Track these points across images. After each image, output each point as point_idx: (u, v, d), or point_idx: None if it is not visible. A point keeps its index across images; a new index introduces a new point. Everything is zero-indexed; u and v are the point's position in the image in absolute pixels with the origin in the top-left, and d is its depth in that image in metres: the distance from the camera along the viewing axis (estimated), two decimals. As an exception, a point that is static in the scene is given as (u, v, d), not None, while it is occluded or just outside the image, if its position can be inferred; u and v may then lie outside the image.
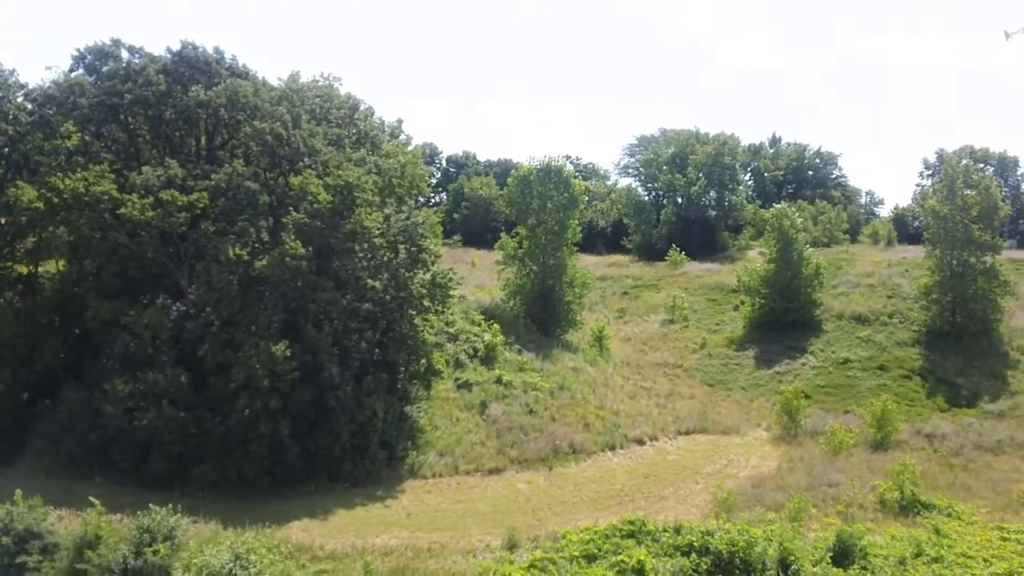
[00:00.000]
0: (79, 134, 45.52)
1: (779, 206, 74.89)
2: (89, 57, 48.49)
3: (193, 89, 46.20)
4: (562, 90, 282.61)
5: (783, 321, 67.70)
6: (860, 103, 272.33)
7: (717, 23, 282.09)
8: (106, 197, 41.81)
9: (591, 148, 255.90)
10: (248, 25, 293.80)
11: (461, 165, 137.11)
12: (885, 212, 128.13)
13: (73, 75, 47.90)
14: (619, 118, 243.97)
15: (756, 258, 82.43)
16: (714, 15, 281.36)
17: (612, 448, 47.80)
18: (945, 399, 56.44)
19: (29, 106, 46.83)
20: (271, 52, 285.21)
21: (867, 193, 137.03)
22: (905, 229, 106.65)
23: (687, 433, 51.50)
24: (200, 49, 48.73)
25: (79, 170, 42.70)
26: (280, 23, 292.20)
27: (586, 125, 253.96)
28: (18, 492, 30.25)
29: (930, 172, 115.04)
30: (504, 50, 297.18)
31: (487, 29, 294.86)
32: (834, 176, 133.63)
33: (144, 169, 43.41)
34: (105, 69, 47.26)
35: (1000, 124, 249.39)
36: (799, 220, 72.08)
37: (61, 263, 48.83)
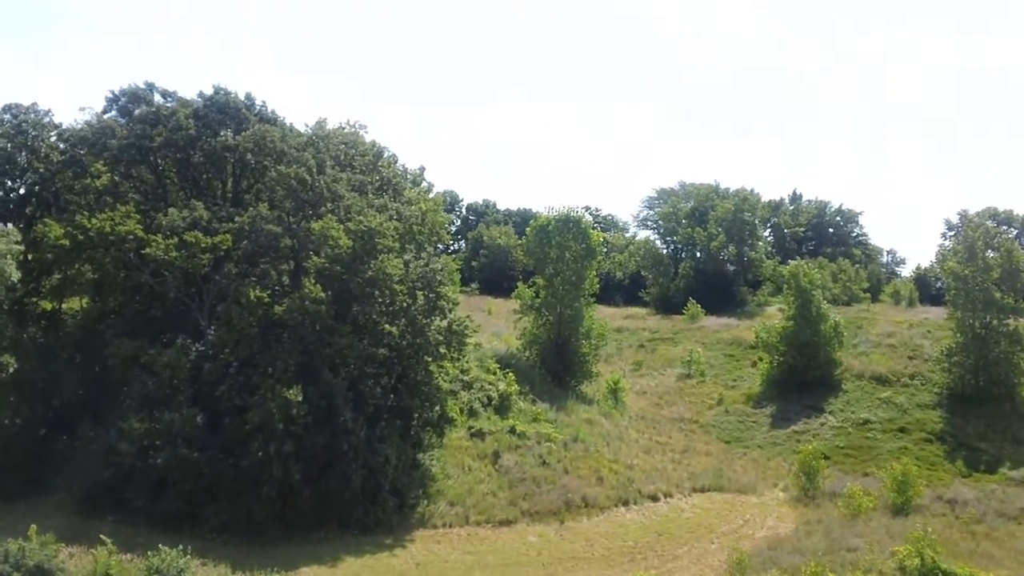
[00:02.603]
0: (109, 174, 46.37)
1: (796, 262, 74.73)
2: (122, 100, 49.60)
3: (222, 134, 47.09)
4: (561, 90, 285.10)
5: (802, 379, 67.10)
6: (860, 103, 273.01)
7: (717, 23, 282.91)
8: (131, 237, 42.49)
9: (610, 199, 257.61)
10: (242, 25, 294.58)
11: (481, 213, 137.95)
12: (907, 272, 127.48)
13: (106, 117, 49.02)
14: (636, 155, 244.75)
15: (775, 314, 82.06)
16: (714, 15, 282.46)
17: (625, 503, 47.32)
18: (966, 464, 55.64)
19: (62, 146, 47.94)
20: (268, 53, 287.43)
21: (889, 252, 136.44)
22: (928, 289, 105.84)
23: (702, 491, 50.88)
24: (232, 95, 49.74)
25: (107, 210, 43.44)
26: (277, 27, 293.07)
27: (586, 129, 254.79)
28: (32, 528, 30.34)
29: (952, 233, 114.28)
30: (500, 52, 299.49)
31: (485, 32, 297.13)
32: (855, 234, 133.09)
33: (170, 210, 44.13)
34: (137, 112, 48.34)
35: (1000, 125, 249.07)
36: (817, 276, 71.82)
37: (85, 300, 49.36)
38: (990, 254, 65.47)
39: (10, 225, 41.51)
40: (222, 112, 48.62)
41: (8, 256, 39.89)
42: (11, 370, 44.17)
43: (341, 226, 43.71)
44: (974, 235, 67.01)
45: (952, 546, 40.93)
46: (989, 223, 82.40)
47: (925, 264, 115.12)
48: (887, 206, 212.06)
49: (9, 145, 46.45)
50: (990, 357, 62.59)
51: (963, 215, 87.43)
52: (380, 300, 44.18)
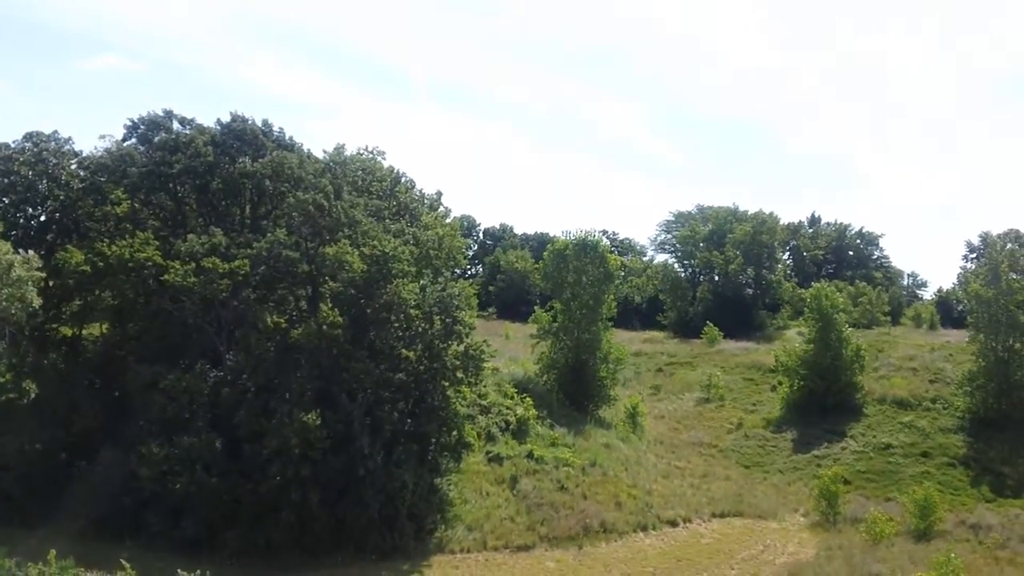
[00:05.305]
0: (128, 201, 46.87)
1: (819, 285, 74.30)
2: (142, 127, 50.23)
3: (240, 160, 47.59)
4: (560, 90, 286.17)
5: (822, 403, 66.51)
6: (860, 103, 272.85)
7: (717, 23, 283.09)
8: (150, 263, 42.83)
9: (627, 223, 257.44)
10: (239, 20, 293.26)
11: (498, 238, 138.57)
12: (928, 295, 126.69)
13: (126, 144, 49.64)
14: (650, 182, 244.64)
15: (794, 338, 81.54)
16: (714, 15, 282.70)
17: (644, 528, 46.89)
18: (990, 488, 54.86)
19: (82, 173, 48.57)
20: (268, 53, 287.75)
21: (909, 275, 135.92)
22: (949, 312, 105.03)
23: (722, 516, 50.35)
24: (249, 122, 50.30)
25: (127, 236, 43.90)
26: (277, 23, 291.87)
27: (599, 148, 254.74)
28: (52, 553, 30.26)
29: (974, 255, 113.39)
30: (498, 51, 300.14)
31: (483, 30, 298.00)
32: (875, 257, 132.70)
33: (189, 237, 44.49)
34: (156, 139, 48.90)
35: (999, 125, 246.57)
36: (839, 300, 71.32)
37: (105, 326, 49.75)
38: (1014, 276, 64.86)
39: (31, 252, 41.96)
40: (240, 139, 49.16)
41: (29, 283, 40.31)
42: (32, 396, 44.50)
43: (355, 251, 43.92)
44: (998, 257, 66.45)
45: (975, 572, 40.42)
46: (1011, 246, 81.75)
47: (947, 287, 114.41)
48: (908, 227, 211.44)
49: (30, 173, 47.21)
50: (1013, 381, 61.87)
51: (985, 237, 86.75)
52: (396, 325, 44.24)
